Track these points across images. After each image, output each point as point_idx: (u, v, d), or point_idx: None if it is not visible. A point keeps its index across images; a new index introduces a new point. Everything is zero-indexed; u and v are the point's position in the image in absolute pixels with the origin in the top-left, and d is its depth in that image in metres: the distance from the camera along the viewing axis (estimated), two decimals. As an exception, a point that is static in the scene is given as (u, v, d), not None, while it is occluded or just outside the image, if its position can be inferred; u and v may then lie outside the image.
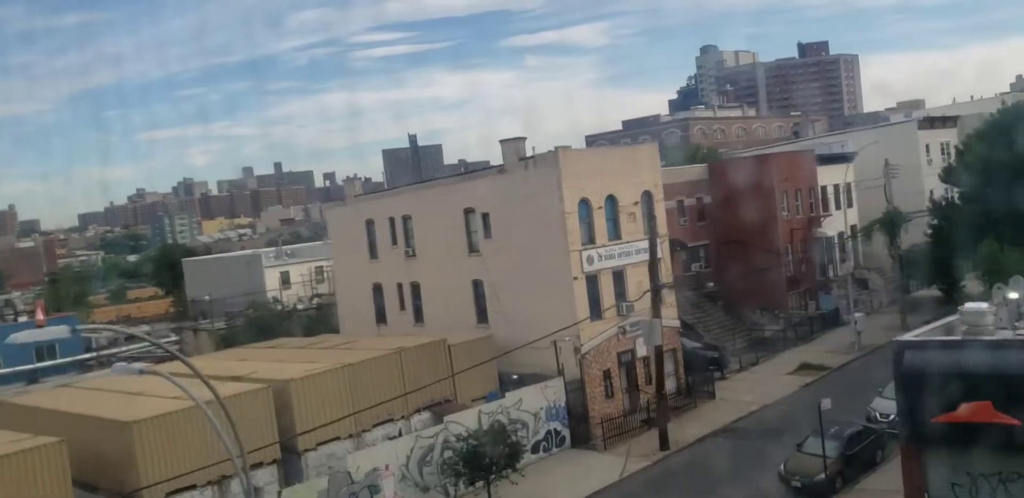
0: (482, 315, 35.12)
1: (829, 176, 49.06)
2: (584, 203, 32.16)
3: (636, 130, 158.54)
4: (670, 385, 34.52)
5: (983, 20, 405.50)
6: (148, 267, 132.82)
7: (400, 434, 28.58)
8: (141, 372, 12.30)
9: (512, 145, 32.98)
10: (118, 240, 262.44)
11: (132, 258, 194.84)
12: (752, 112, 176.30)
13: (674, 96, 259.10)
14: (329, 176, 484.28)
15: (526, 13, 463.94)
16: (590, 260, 32.13)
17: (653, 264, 30.34)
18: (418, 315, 37.90)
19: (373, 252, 39.86)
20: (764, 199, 45.29)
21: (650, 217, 33.85)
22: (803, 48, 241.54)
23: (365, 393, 29.02)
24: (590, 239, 32.41)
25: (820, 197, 48.46)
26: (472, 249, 35.29)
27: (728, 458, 28.07)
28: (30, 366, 47.82)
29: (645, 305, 33.73)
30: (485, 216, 34.39)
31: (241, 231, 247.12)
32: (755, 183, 45.27)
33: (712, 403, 34.26)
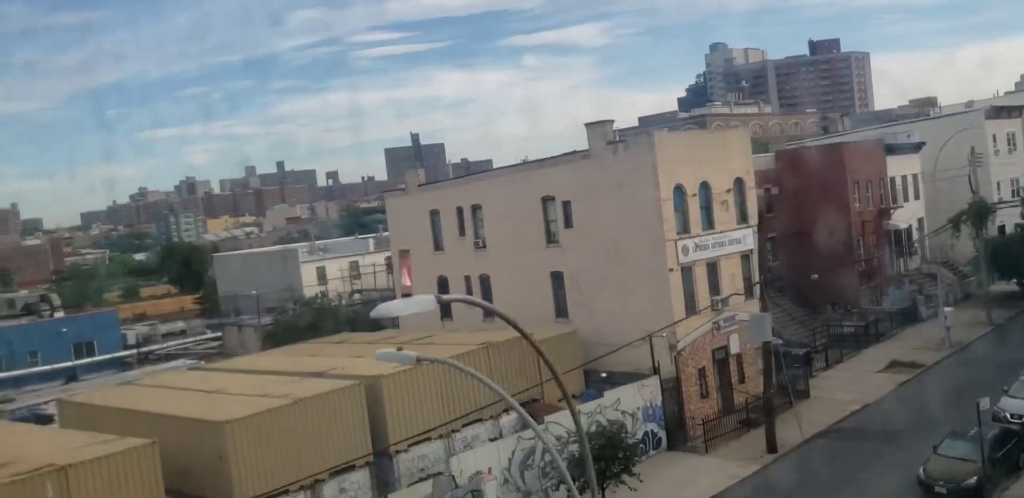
0: (561, 309, 33.32)
1: (896, 167, 47.30)
2: (678, 190, 30.34)
3: (652, 126, 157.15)
4: (762, 384, 32.76)
5: (979, 20, 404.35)
6: (160, 265, 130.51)
7: (501, 435, 26.78)
8: (419, 360, 10.45)
9: (598, 129, 31.17)
10: (123, 239, 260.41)
11: (139, 256, 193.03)
12: (768, 109, 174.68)
13: (679, 94, 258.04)
14: (332, 175, 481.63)
15: (524, 13, 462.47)
16: (685, 251, 30.33)
17: (761, 254, 28.63)
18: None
19: (438, 244, 38.04)
20: (836, 190, 43.53)
21: (739, 204, 32.10)
22: (814, 45, 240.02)
23: (456, 391, 27.25)
24: (684, 228, 30.59)
25: (889, 188, 46.70)
26: (550, 239, 33.47)
27: (846, 462, 26.28)
28: (68, 363, 45.96)
29: (739, 299, 32.02)
30: (566, 204, 32.57)
31: (247, 229, 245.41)
32: (826, 173, 43.50)
33: (807, 403, 32.46)
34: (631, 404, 28.48)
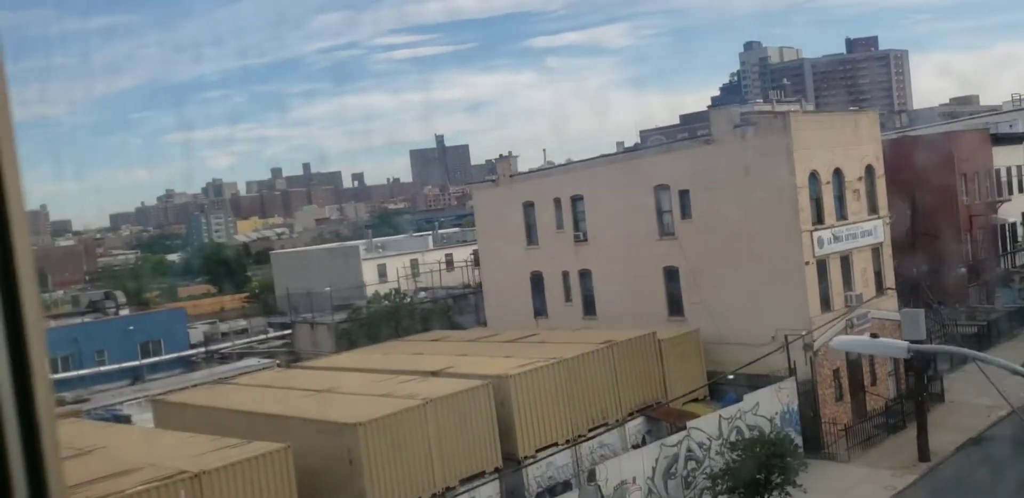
0: (674, 307, 31.19)
1: (1001, 158, 44.80)
2: (812, 177, 28.17)
3: (695, 124, 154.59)
4: (892, 387, 30.49)
5: (1010, 19, 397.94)
6: (201, 265, 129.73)
7: (644, 441, 24.69)
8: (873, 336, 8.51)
9: (724, 113, 29.08)
10: (153, 240, 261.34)
11: (172, 257, 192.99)
12: (810, 107, 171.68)
13: (711, 93, 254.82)
14: (357, 176, 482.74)
15: (547, 14, 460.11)
16: (820, 243, 28.13)
17: (913, 246, 26.29)
18: (588, 307, 33.99)
19: (532, 237, 35.99)
20: (943, 182, 41.06)
21: (870, 193, 29.86)
22: (851, 43, 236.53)
23: (581, 393, 25.20)
24: (818, 219, 28.40)
25: (996, 180, 44.21)
26: (664, 231, 31.36)
27: (1015, 472, 23.97)
28: (136, 362, 44.35)
29: (867, 295, 29.77)
30: (683, 193, 30.45)
31: (277, 230, 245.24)
32: (933, 164, 41.01)
33: (943, 407, 30.16)
34: (769, 408, 26.32)
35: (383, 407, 21.30)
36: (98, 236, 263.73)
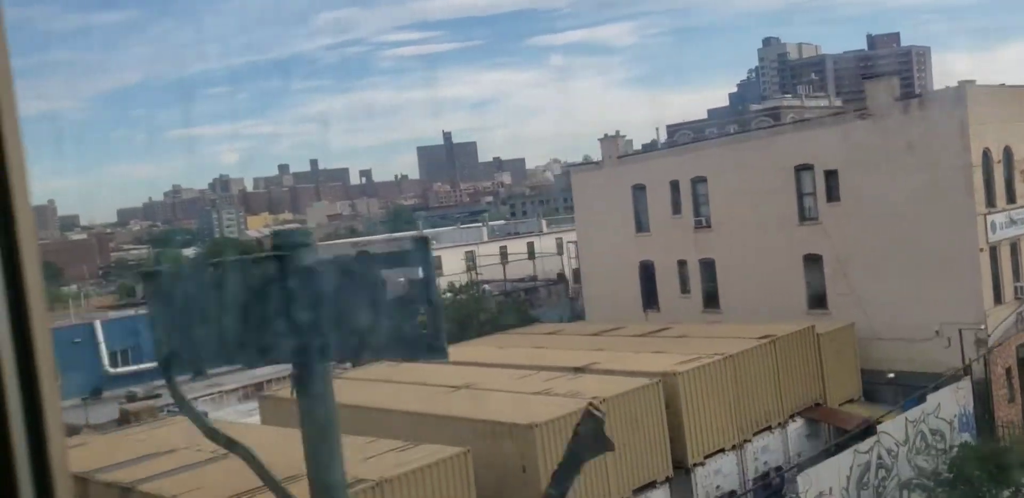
0: (817, 298, 28.49)
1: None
2: (985, 156, 25.47)
3: (723, 119, 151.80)
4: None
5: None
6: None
7: (836, 447, 21.95)
8: None
9: (884, 84, 26.35)
10: (164, 235, 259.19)
11: (187, 251, 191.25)
12: (838, 102, 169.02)
13: (727, 90, 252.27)
14: (365, 173, 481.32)
15: (553, 12, 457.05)
16: (993, 227, 25.44)
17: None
18: (710, 299, 31.28)
19: (642, 224, 33.28)
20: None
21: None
22: (872, 40, 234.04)
23: (745, 393, 22.53)
24: (990, 201, 25.71)
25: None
26: (806, 216, 28.65)
27: None
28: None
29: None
30: (829, 174, 27.73)
31: (290, 226, 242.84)
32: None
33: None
34: (949, 411, 23.63)
35: (552, 407, 18.62)
36: (108, 231, 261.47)
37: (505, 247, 59.71)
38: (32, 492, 1.30)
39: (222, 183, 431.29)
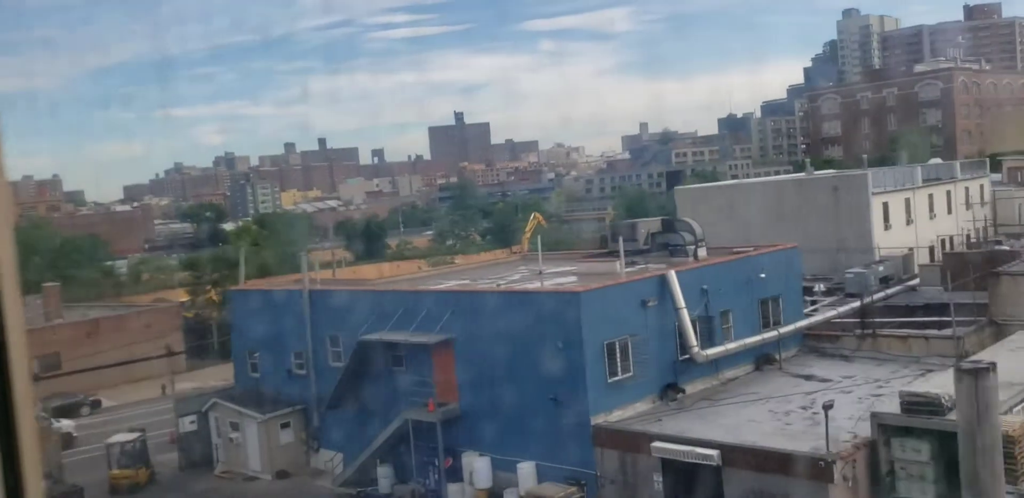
0: None
1: None
2: None
3: (880, 82, 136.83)
4: None
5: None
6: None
7: None
8: None
9: None
10: (193, 210, 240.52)
11: (227, 226, 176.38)
12: (987, 67, 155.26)
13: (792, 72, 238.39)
14: (377, 153, 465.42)
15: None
16: None
17: None
18: None
19: None
20: None
21: None
22: (970, 10, 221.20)
23: None
24: None
25: None
26: None
27: None
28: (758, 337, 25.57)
29: None
30: None
31: (330, 203, 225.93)
32: None
33: None
34: None
35: None
36: (134, 205, 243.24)
37: (950, 191, 44.05)
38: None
39: (227, 161, 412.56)
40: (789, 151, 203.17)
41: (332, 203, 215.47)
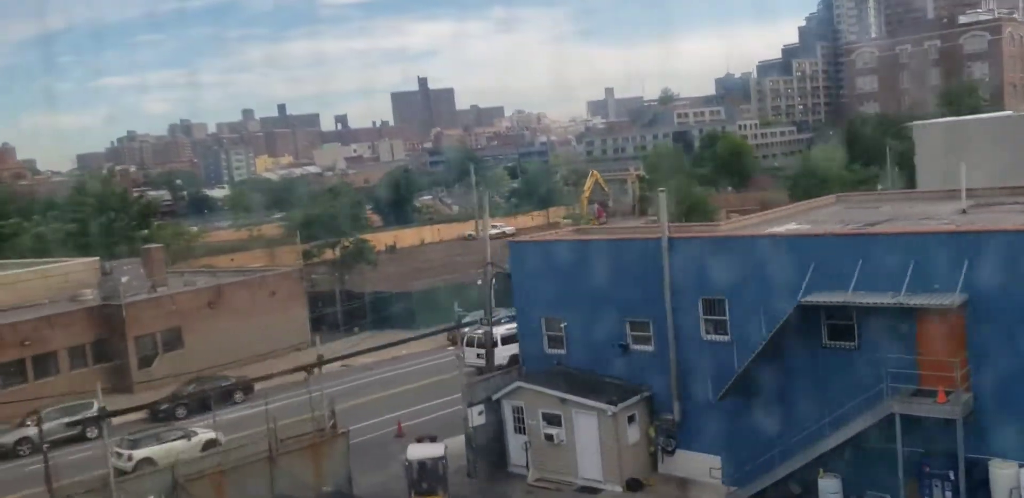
0: None
1: None
2: None
3: (911, 35, 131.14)
4: None
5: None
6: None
7: None
8: None
9: None
10: (161, 177, 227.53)
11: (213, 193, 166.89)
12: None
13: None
14: (340, 119, 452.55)
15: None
16: None
17: None
18: None
19: None
20: None
21: None
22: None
23: None
24: None
25: None
26: None
27: None
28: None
29: None
30: None
31: (312, 169, 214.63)
32: None
33: None
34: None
35: None
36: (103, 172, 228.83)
37: None
38: None
39: (184, 128, 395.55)
40: (787, 111, 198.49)
41: (312, 169, 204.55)
